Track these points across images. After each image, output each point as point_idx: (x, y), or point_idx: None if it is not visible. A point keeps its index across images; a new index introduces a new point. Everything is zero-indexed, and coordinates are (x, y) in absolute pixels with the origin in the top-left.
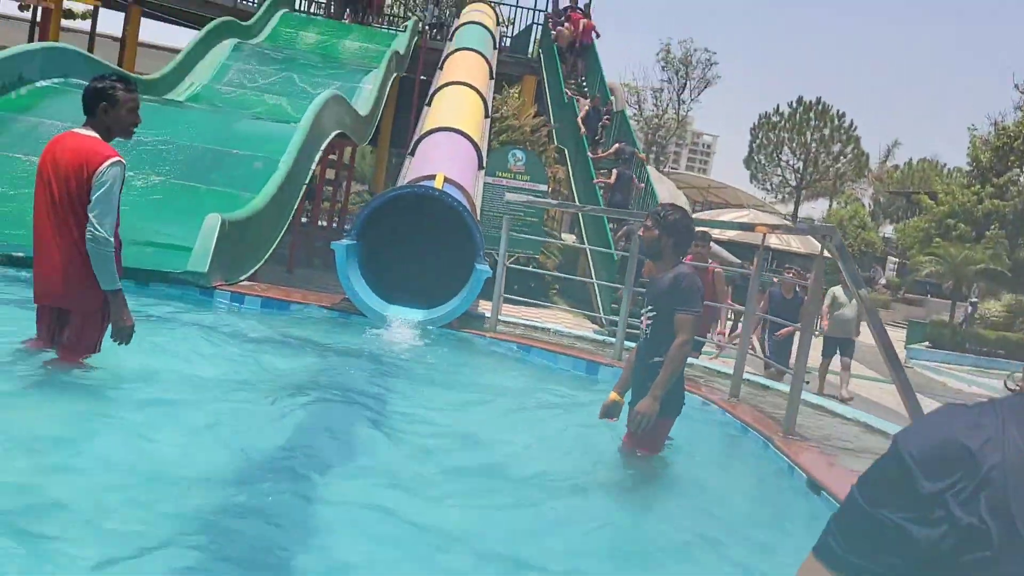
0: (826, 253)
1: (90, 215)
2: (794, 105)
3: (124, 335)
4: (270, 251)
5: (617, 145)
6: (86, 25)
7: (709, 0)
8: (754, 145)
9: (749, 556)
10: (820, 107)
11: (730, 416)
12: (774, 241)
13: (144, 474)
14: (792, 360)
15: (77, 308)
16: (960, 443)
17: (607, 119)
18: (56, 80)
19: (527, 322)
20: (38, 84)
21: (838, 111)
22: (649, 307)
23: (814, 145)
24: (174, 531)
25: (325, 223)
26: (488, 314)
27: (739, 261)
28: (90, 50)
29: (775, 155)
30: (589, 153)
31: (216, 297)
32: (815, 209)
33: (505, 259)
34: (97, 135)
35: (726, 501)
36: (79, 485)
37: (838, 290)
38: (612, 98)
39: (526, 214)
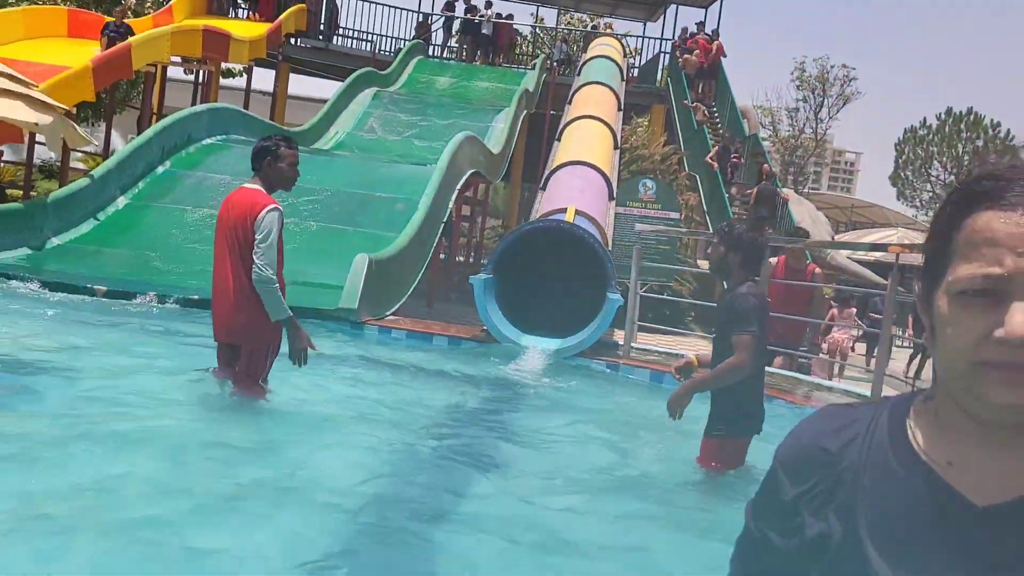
0: None
1: (255, 257)
2: (942, 116)
3: (301, 357)
4: (413, 286)
5: (757, 189)
6: (241, 82)
7: (846, 15)
8: (900, 161)
9: None
10: (972, 117)
11: None
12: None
13: (308, 480)
14: None
15: (246, 344)
16: (821, 446)
17: (736, 158)
18: (219, 137)
19: (662, 349)
20: (204, 142)
21: (992, 120)
22: (712, 330)
23: (967, 158)
24: (337, 539)
25: (462, 258)
26: (622, 342)
27: (883, 281)
28: (245, 104)
29: (924, 170)
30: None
31: (366, 331)
32: None
33: (637, 287)
34: (261, 187)
35: None
36: (256, 491)
37: None
38: (744, 121)
39: (658, 242)
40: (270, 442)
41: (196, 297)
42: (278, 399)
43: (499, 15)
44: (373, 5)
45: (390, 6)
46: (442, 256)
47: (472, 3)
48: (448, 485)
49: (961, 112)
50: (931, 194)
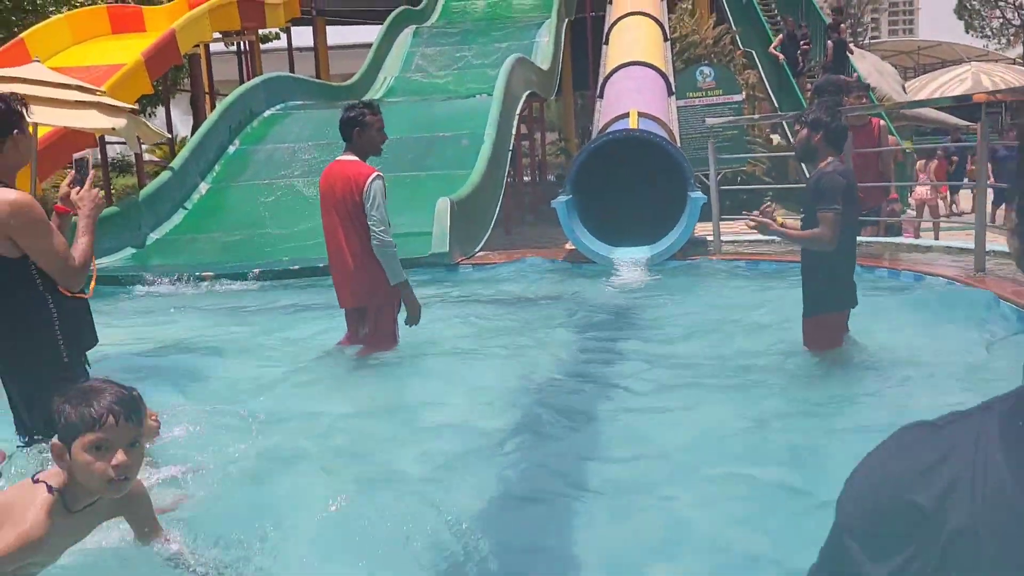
0: None
1: (370, 225)
2: None
3: (415, 319)
4: (494, 218)
5: (813, 87)
6: (282, 44)
7: None
8: None
9: None
10: None
11: (977, 290)
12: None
13: (439, 427)
14: None
15: (372, 304)
16: (908, 499)
17: (806, 44)
18: (278, 107)
19: (750, 238)
20: (265, 114)
21: None
22: (801, 210)
23: None
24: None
25: (528, 178)
26: (711, 237)
27: (966, 124)
28: (290, 65)
29: None
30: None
31: (461, 271)
32: None
33: (717, 181)
34: (356, 157)
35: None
36: (402, 441)
37: None
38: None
39: (725, 129)
40: (410, 392)
41: (296, 267)
42: (409, 351)
43: None
44: None
45: None
46: (509, 180)
47: None
48: (584, 410)
49: None
50: (1001, 20)
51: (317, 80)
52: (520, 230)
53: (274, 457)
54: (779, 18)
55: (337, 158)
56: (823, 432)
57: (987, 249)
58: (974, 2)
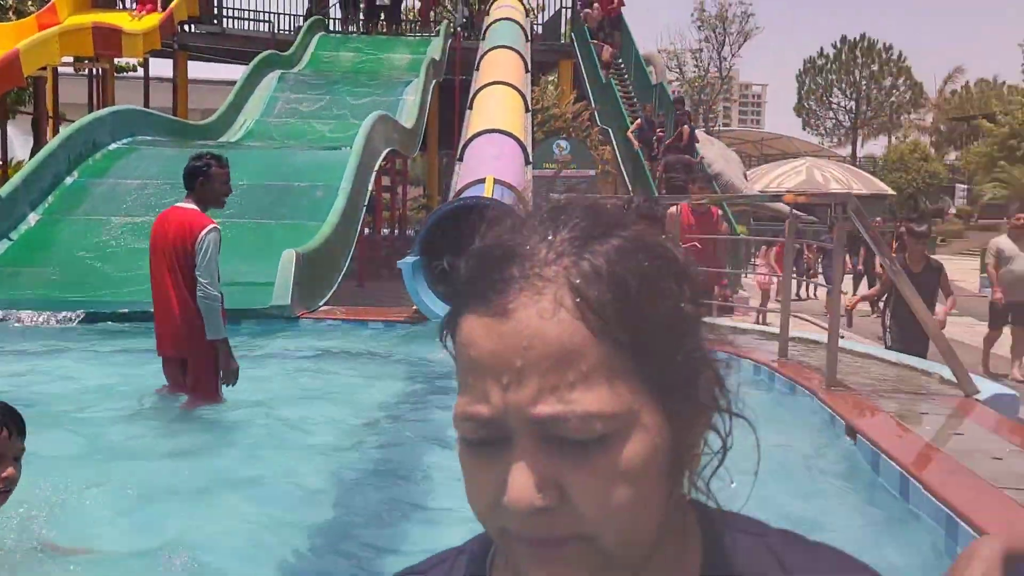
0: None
1: (198, 277)
2: (838, 45)
3: (231, 377)
4: (342, 273)
5: (664, 163)
6: (140, 71)
7: None
8: (802, 92)
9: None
10: (865, 43)
11: (779, 375)
12: (835, 186)
13: (258, 487)
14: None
15: (191, 355)
16: None
17: (661, 131)
18: (125, 141)
19: None
20: (110, 147)
21: (884, 44)
22: None
23: (864, 83)
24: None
25: (387, 230)
26: None
27: (812, 219)
28: (145, 95)
29: (825, 98)
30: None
31: (301, 324)
32: (876, 146)
33: None
34: (196, 207)
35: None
36: (211, 502)
37: (1003, 241)
38: (650, 69)
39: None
40: (231, 444)
41: (126, 311)
42: (233, 405)
43: None
44: None
45: None
46: (367, 231)
47: None
48: (401, 468)
49: (855, 39)
50: (834, 121)
51: (171, 117)
52: (374, 284)
53: (63, 505)
54: (635, 99)
55: (175, 204)
56: None
57: (791, 335)
58: (810, 103)
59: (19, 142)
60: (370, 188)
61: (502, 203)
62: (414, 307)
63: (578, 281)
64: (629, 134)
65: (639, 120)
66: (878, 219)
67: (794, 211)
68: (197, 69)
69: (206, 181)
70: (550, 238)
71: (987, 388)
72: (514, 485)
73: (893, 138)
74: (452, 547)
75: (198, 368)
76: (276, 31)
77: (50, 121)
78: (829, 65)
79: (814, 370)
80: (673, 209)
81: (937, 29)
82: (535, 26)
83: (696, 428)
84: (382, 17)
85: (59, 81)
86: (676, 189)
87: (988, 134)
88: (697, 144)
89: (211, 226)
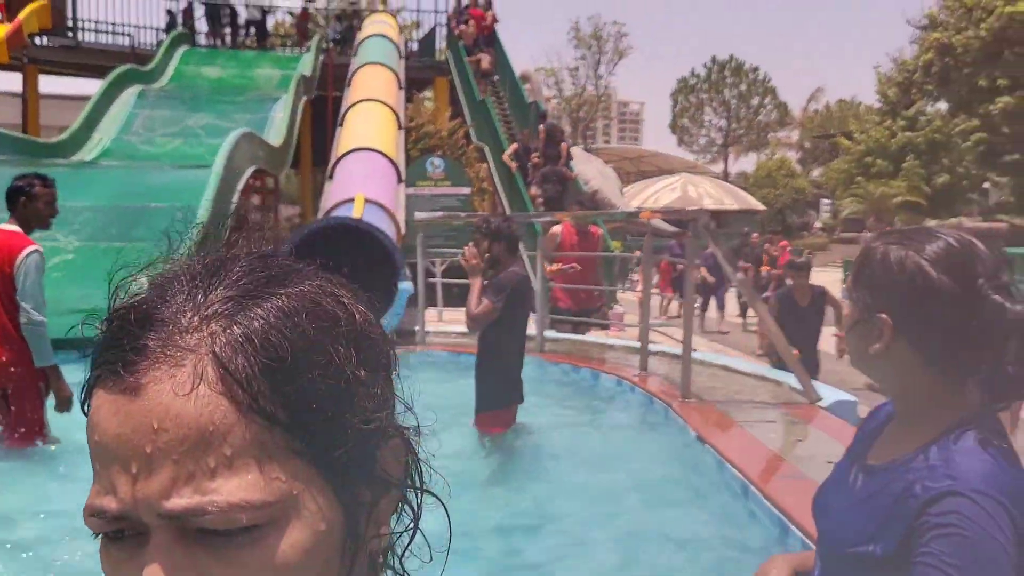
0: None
1: (21, 302)
2: (709, 65)
3: (65, 405)
4: None
5: (542, 174)
6: None
7: None
8: (676, 110)
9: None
10: (733, 64)
11: (638, 389)
12: (708, 202)
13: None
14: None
15: (15, 387)
16: None
17: (536, 158)
18: None
19: (457, 329)
20: None
21: (751, 65)
22: None
23: (734, 102)
24: None
25: None
26: (429, 328)
27: (674, 230)
28: None
29: (698, 117)
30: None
31: None
32: (747, 163)
33: (423, 274)
34: (18, 228)
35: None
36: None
37: None
38: (526, 87)
39: (449, 221)
40: (59, 488)
41: None
42: (53, 447)
43: None
44: None
45: None
46: None
47: None
48: None
49: (725, 60)
50: (707, 138)
51: (15, 134)
52: None
53: None
54: (510, 117)
55: None
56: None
57: (651, 350)
58: (684, 121)
59: None
60: (233, 208)
61: (353, 220)
62: None
63: (224, 350)
64: (505, 157)
65: (515, 145)
66: (755, 234)
67: (654, 227)
68: (53, 84)
69: (28, 201)
70: (199, 299)
71: (829, 395)
72: None
73: (762, 155)
74: None
75: (18, 401)
76: (137, 45)
77: None
78: (701, 84)
79: (672, 383)
80: (556, 228)
81: (800, 51)
82: (410, 43)
83: (381, 507)
84: (251, 32)
85: None
86: (550, 201)
87: (847, 152)
88: (572, 161)
89: (31, 248)
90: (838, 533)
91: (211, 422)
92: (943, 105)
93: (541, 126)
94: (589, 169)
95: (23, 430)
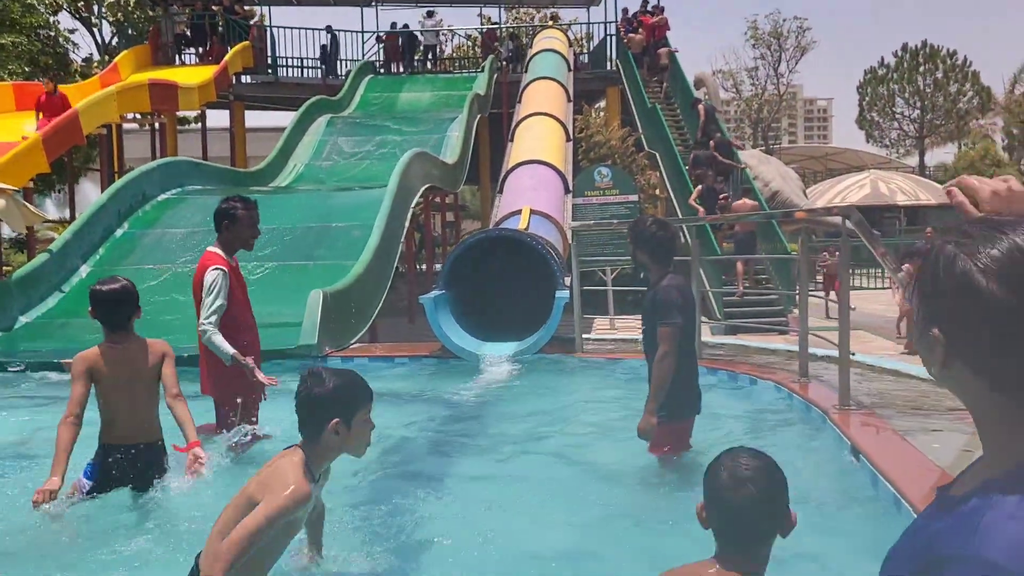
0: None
1: (200, 312)
2: (900, 53)
3: (257, 388)
4: (377, 310)
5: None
6: (212, 122)
7: None
8: (864, 103)
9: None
10: (927, 50)
11: (796, 395)
12: (901, 198)
13: None
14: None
15: (216, 396)
16: None
17: (723, 198)
18: (174, 192)
19: (614, 337)
20: (159, 198)
21: (948, 50)
22: (642, 322)
23: (929, 90)
24: None
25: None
26: (591, 336)
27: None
28: (203, 145)
29: (888, 109)
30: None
31: (330, 364)
32: (948, 154)
33: (580, 282)
34: (219, 249)
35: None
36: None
37: None
38: (704, 90)
39: (616, 228)
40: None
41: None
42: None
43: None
44: (319, 32)
45: (339, 30)
46: (423, 268)
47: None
48: (410, 507)
49: (917, 46)
50: (899, 131)
51: (220, 166)
52: (425, 320)
53: None
54: (682, 123)
55: (208, 247)
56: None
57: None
58: (873, 114)
59: (95, 198)
60: (406, 226)
61: (518, 231)
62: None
63: None
64: (692, 202)
65: (700, 188)
66: (928, 228)
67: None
68: (256, 118)
69: (231, 224)
70: None
71: None
72: None
73: (962, 145)
74: None
75: (219, 410)
76: (327, 77)
77: (116, 176)
78: (891, 75)
79: (831, 389)
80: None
81: (1003, 29)
82: (582, 55)
83: None
84: (429, 56)
85: (124, 137)
86: (701, 183)
87: None
88: (735, 148)
89: (214, 266)
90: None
91: None
92: None
93: (700, 106)
94: (768, 170)
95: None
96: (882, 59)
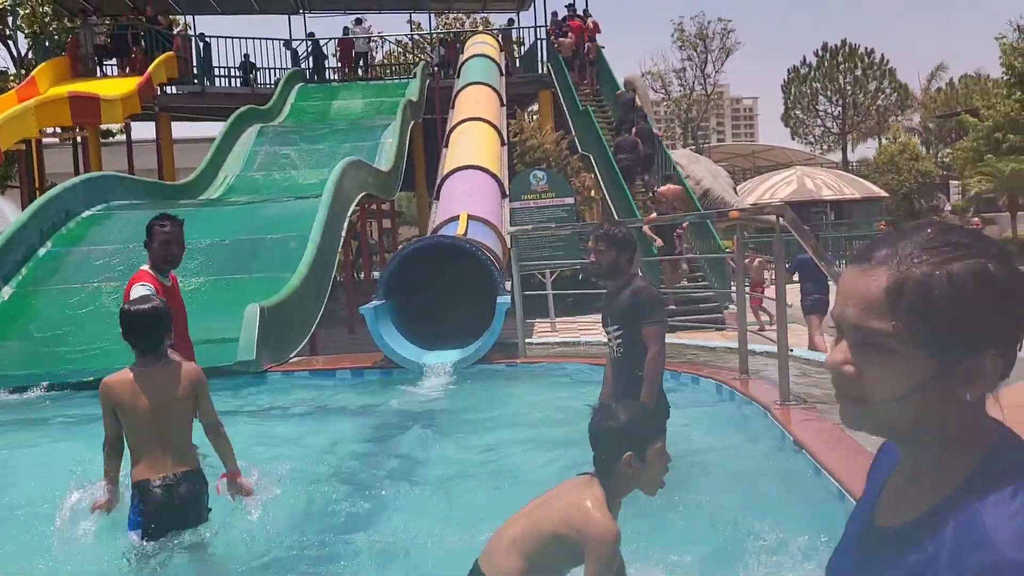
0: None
1: None
2: (820, 53)
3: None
4: (315, 322)
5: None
6: (138, 135)
7: None
8: (788, 101)
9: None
10: (847, 49)
11: (738, 393)
12: (827, 193)
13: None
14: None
15: None
16: None
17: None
18: (99, 207)
19: (556, 340)
20: (84, 215)
21: (866, 48)
22: (615, 326)
23: (849, 88)
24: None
25: (378, 273)
26: (533, 340)
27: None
28: (129, 158)
29: (812, 107)
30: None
31: (269, 378)
32: (869, 150)
33: (521, 286)
34: (147, 266)
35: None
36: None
37: None
38: (634, 93)
39: (555, 232)
40: None
41: (92, 379)
42: None
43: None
44: (245, 41)
45: (262, 39)
46: (361, 276)
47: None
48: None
49: (836, 46)
50: (822, 128)
51: (147, 179)
52: (366, 330)
53: None
54: (613, 122)
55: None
56: None
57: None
58: (797, 112)
59: (13, 216)
60: (342, 236)
61: (456, 238)
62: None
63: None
64: (646, 230)
65: (653, 214)
66: (883, 222)
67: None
68: (184, 129)
69: (150, 241)
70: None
71: None
72: None
73: (883, 140)
74: None
75: None
76: (256, 86)
77: (37, 193)
78: (813, 73)
79: (772, 385)
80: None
81: (917, 29)
82: (515, 59)
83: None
84: (361, 63)
85: (44, 152)
86: (625, 171)
87: (973, 129)
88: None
89: (138, 283)
90: None
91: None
92: None
93: (623, 99)
94: (699, 169)
95: None
96: (804, 58)
